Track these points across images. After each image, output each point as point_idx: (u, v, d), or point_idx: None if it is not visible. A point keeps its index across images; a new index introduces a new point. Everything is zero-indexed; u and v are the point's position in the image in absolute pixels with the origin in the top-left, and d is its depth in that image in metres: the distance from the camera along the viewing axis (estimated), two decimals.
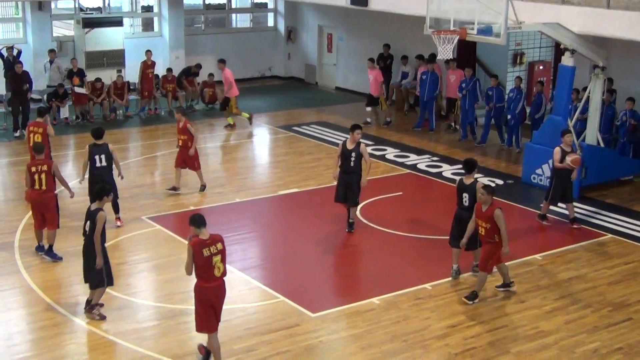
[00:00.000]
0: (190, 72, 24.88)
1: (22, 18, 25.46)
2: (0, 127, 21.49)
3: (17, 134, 20.61)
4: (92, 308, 11.00)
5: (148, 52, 23.75)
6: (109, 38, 25.27)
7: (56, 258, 12.88)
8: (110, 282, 11.02)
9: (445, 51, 16.19)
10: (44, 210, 12.91)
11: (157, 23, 27.89)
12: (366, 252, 13.74)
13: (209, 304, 9.44)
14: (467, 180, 12.23)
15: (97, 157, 13.75)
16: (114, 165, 13.99)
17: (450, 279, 12.22)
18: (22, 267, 12.63)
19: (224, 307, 9.69)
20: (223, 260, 9.36)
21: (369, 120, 22.59)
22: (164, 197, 16.03)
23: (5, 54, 22.55)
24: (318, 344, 10.48)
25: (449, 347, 10.43)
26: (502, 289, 12.02)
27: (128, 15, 27.18)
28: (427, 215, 15.44)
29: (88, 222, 10.72)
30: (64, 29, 26.85)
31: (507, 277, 12.02)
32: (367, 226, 14.68)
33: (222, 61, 22.46)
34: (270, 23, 30.57)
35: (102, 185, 11.29)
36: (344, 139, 13.93)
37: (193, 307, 9.71)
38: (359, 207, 14.71)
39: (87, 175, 13.91)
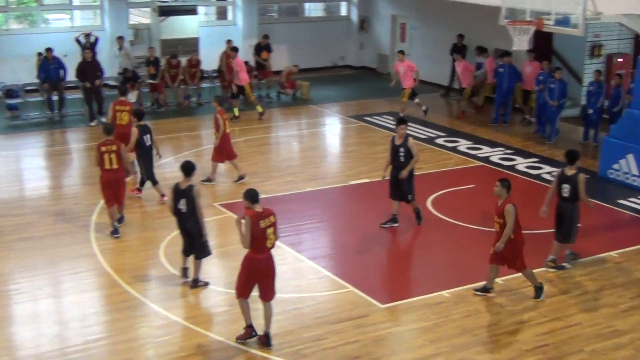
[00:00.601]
0: (261, 47, 24.55)
1: (99, 5, 25.92)
2: (77, 112, 21.91)
3: (94, 123, 20.89)
4: (196, 282, 11.50)
5: (229, 41, 23.72)
6: (184, 26, 25.56)
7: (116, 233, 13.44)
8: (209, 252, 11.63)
9: (521, 42, 15.93)
10: (116, 188, 13.49)
11: (231, 12, 28.10)
12: (436, 244, 13.61)
13: (256, 275, 9.82)
14: (569, 172, 12.11)
15: (145, 137, 14.67)
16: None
17: (520, 274, 11.97)
18: (97, 249, 12.88)
19: (294, 295, 9.76)
20: (275, 233, 9.75)
21: (423, 108, 22.17)
22: (236, 184, 16.14)
23: (82, 41, 22.99)
24: (387, 335, 10.44)
25: (519, 343, 10.27)
26: (480, 293, 11.50)
27: (203, 3, 27.41)
28: None
29: (183, 200, 11.10)
30: (140, 17, 27.24)
31: (491, 282, 11.54)
32: (438, 218, 14.55)
33: (234, 49, 22.04)
34: (343, 12, 30.50)
35: (188, 161, 11.54)
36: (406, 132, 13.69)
37: None
38: (429, 199, 14.57)
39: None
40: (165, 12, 25.55)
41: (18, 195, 15.72)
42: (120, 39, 23.60)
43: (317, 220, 14.52)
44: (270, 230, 9.68)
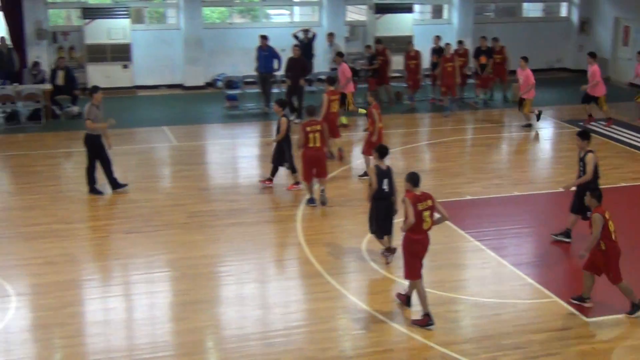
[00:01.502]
0: (481, 51, 23.66)
1: (318, 2, 26.58)
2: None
3: (297, 120, 21.03)
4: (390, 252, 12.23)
5: (437, 38, 23.69)
6: (399, 24, 25.75)
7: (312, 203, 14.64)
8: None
9: None
10: (317, 164, 14.56)
11: (447, 10, 27.95)
12: None
13: (417, 255, 10.37)
14: None
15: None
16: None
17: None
18: (303, 239, 13.23)
19: (494, 300, 9.57)
20: (431, 216, 10.33)
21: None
22: (441, 184, 16.05)
23: (301, 36, 23.66)
24: (591, 351, 9.98)
25: None
26: (575, 302, 10.99)
27: (419, 1, 27.45)
28: None
29: (385, 180, 11.94)
30: (356, 14, 27.71)
31: (587, 291, 10.96)
32: None
33: (339, 55, 21.30)
34: (563, 13, 29.53)
35: (382, 144, 12.67)
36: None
37: (463, 297, 9.75)
38: None
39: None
40: (382, 9, 25.84)
41: (232, 182, 16.44)
42: (330, 35, 24.06)
43: (523, 225, 14.13)
44: (426, 213, 10.23)
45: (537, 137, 20.50)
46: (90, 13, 24.19)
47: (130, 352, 9.83)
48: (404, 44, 24.58)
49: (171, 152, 18.96)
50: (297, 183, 15.63)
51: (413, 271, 10.43)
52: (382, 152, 12.16)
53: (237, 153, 19.03)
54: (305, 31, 23.87)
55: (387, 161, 12.39)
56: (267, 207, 14.93)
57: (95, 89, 15.43)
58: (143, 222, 14.03)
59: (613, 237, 10.62)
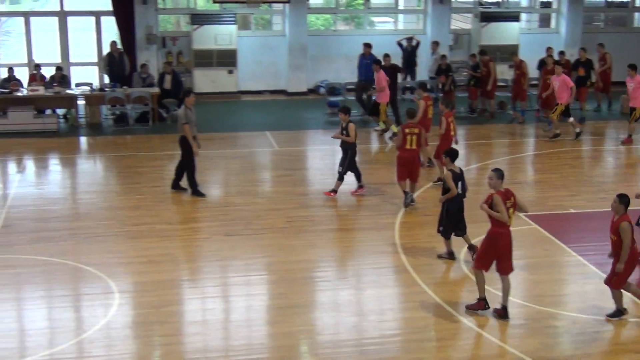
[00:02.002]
0: (579, 62, 22.75)
1: (423, 10, 26.48)
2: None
3: (395, 129, 21.07)
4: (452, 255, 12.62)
5: (549, 49, 22.93)
6: (504, 33, 25.41)
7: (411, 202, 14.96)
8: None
9: None
10: (412, 166, 14.77)
11: (555, 19, 27.40)
12: None
13: (498, 248, 10.64)
14: None
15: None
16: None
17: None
18: (400, 248, 13.17)
19: (593, 316, 9.26)
20: (514, 212, 10.75)
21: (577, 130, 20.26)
22: (544, 197, 15.73)
23: (404, 44, 23.62)
24: None
25: None
26: (614, 318, 10.66)
27: (526, 10, 27.04)
28: None
29: (460, 183, 12.26)
30: (461, 22, 27.48)
31: (619, 303, 10.69)
32: None
33: (377, 62, 20.80)
34: None
35: (452, 147, 13.18)
36: None
37: (563, 312, 9.71)
38: None
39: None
40: (487, 18, 25.56)
41: (331, 188, 16.44)
42: (434, 43, 23.89)
43: None
44: (511, 211, 10.64)
45: None
46: (199, 19, 24.74)
47: (226, 352, 9.99)
48: (509, 53, 24.18)
49: (272, 157, 19.21)
50: (333, 191, 15.62)
51: (483, 261, 10.77)
52: (453, 155, 12.41)
53: (337, 159, 19.05)
54: (409, 39, 23.82)
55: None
56: (366, 214, 14.94)
57: (188, 92, 15.84)
58: (243, 225, 14.24)
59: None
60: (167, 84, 22.04)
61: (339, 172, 15.56)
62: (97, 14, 24.92)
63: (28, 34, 24.61)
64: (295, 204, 15.30)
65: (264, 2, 23.55)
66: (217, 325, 10.73)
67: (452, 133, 15.79)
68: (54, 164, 18.89)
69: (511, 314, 10.86)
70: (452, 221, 12.38)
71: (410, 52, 23.78)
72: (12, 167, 18.48)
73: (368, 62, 21.80)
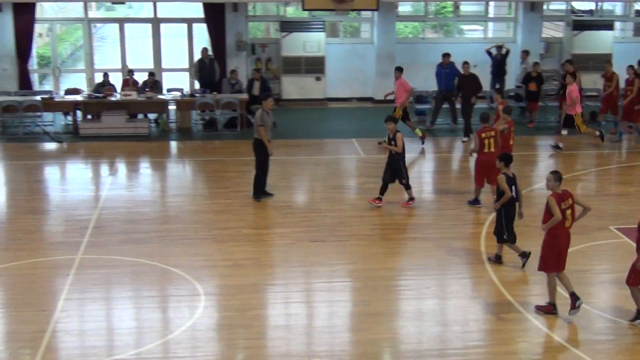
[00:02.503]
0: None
1: (514, 18, 26.12)
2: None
3: (465, 139, 20.66)
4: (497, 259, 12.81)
5: (630, 67, 21.94)
6: (597, 41, 24.84)
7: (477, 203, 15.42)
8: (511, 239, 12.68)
9: None
10: (489, 170, 14.60)
11: None
12: None
13: (557, 249, 10.89)
14: None
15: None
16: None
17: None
18: (486, 258, 13.00)
19: None
20: (572, 214, 10.93)
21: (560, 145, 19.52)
22: (635, 210, 15.30)
23: (494, 52, 23.33)
24: None
25: None
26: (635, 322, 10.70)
27: (620, 19, 26.39)
28: None
29: (513, 187, 12.42)
30: (552, 30, 27.00)
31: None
32: None
33: (399, 69, 20.38)
34: None
35: (506, 152, 13.30)
36: None
37: None
38: None
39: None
40: (580, 26, 25.03)
41: (416, 196, 16.27)
42: (525, 52, 23.50)
43: None
44: (568, 212, 10.85)
45: None
46: (288, 26, 24.96)
47: (308, 358, 10.03)
48: (602, 62, 23.60)
49: (358, 164, 19.23)
50: (411, 199, 15.49)
51: (548, 264, 10.97)
52: (507, 160, 12.63)
53: (423, 167, 19.01)
54: (499, 47, 23.52)
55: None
56: (452, 223, 14.80)
57: (267, 96, 16.01)
58: (328, 231, 14.29)
59: None
60: (256, 90, 22.28)
61: (404, 184, 15.47)
62: (189, 21, 25.39)
63: (122, 40, 25.25)
64: (379, 211, 15.28)
65: (352, 10, 23.58)
66: (300, 330, 10.78)
67: (511, 142, 15.85)
68: (145, 167, 19.32)
69: (599, 328, 10.63)
70: (511, 224, 12.57)
71: (499, 61, 23.47)
72: (104, 169, 19.00)
73: (447, 71, 21.66)
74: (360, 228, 14.44)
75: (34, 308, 11.18)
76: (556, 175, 10.94)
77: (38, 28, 25.72)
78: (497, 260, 12.79)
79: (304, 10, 23.40)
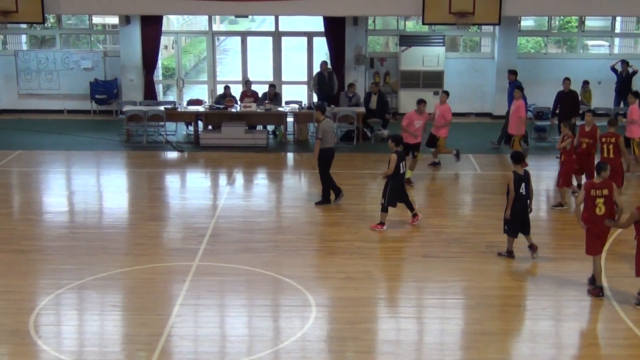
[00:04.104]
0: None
1: None
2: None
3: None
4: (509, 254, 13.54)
5: None
6: None
7: None
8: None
9: None
10: (612, 176, 13.85)
11: None
12: None
13: (594, 235, 11.92)
14: None
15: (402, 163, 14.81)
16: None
17: None
18: (605, 280, 12.53)
19: None
20: (605, 204, 11.74)
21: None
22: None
23: (619, 69, 22.63)
24: None
25: None
26: None
27: None
28: None
29: (523, 184, 13.07)
30: None
31: None
32: None
33: (445, 92, 19.61)
34: None
35: (517, 151, 14.27)
36: None
37: None
38: None
39: None
40: None
41: (534, 215, 15.70)
42: None
43: None
44: (600, 200, 11.71)
45: None
46: (407, 41, 24.92)
47: None
48: None
49: (475, 180, 18.98)
50: (381, 224, 14.97)
51: (591, 248, 12.01)
52: (517, 158, 13.26)
53: (541, 185, 18.53)
54: (625, 64, 22.78)
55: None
56: (569, 243, 14.38)
57: (321, 108, 16.93)
58: (442, 247, 14.16)
59: None
60: (373, 104, 22.35)
61: (382, 204, 15.06)
62: (310, 35, 25.71)
63: (244, 52, 25.80)
64: (495, 228, 14.96)
65: (473, 24, 23.34)
66: (410, 346, 10.69)
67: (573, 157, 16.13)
68: (261, 178, 19.63)
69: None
70: (515, 220, 13.15)
71: (625, 78, 22.74)
72: (222, 179, 19.41)
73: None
74: (475, 245, 14.23)
75: (151, 312, 11.51)
76: (601, 167, 11.98)
77: (164, 40, 26.56)
78: (509, 255, 13.47)
79: (424, 24, 23.35)
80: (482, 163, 19.99)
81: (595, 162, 13.63)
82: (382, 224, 14.98)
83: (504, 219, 13.36)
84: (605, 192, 11.75)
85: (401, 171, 14.99)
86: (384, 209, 14.96)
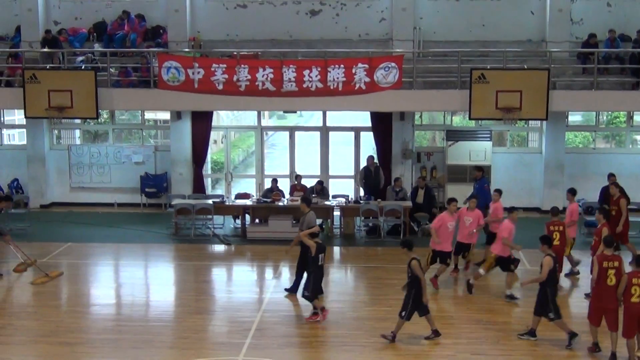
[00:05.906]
0: None
1: None
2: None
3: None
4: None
5: None
6: None
7: None
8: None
9: None
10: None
11: None
12: None
13: (600, 305, 12.84)
14: None
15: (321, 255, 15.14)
16: None
17: None
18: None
19: None
20: (616, 275, 12.63)
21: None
22: None
23: None
24: None
25: None
26: None
27: None
28: None
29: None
30: None
31: None
32: None
33: (498, 191, 19.03)
34: None
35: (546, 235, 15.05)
36: None
37: None
38: None
39: None
40: None
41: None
42: None
43: None
44: (611, 272, 12.60)
45: None
46: (454, 135, 25.04)
47: None
48: None
49: (523, 276, 18.63)
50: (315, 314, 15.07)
51: (593, 316, 13.07)
52: (549, 241, 14.29)
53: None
54: None
55: None
56: None
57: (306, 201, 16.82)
58: (490, 344, 13.89)
59: None
60: (420, 198, 22.34)
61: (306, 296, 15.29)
62: (357, 130, 26.00)
63: (292, 146, 26.13)
64: (548, 326, 14.67)
65: (520, 119, 23.37)
66: None
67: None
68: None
69: None
70: (548, 300, 13.77)
71: None
72: (269, 272, 19.39)
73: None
74: (523, 342, 13.90)
75: None
76: (608, 240, 13.08)
77: (213, 135, 27.06)
78: (572, 336, 13.74)
79: (471, 119, 23.45)
80: (530, 258, 19.66)
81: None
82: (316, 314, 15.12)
83: (541, 304, 13.95)
84: (616, 264, 12.73)
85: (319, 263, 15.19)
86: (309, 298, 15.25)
